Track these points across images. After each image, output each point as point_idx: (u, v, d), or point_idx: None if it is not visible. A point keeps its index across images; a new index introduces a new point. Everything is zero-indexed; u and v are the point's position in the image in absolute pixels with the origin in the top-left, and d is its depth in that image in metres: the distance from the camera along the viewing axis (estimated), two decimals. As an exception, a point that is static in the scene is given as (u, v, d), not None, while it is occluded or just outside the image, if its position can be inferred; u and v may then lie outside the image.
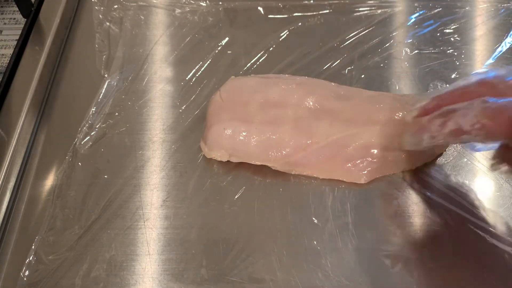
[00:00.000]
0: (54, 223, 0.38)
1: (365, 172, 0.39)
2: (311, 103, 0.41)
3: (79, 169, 0.41)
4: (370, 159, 0.39)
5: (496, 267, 0.35)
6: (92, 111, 0.45)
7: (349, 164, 0.39)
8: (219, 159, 0.40)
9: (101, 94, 0.46)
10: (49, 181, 0.41)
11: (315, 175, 0.40)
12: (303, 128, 0.40)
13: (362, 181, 0.39)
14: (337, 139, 0.39)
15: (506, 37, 0.49)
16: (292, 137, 0.39)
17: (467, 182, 0.40)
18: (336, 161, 0.39)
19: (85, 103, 0.45)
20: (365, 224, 0.38)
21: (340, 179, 0.39)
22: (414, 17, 0.51)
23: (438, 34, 0.49)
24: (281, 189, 0.40)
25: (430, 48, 0.48)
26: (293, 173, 0.40)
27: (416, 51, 0.48)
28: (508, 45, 0.48)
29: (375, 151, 0.39)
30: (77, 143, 0.42)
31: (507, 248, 0.35)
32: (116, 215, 0.39)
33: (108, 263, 0.36)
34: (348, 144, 0.39)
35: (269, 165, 0.40)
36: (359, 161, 0.39)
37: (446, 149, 0.41)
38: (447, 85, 0.44)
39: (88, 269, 0.36)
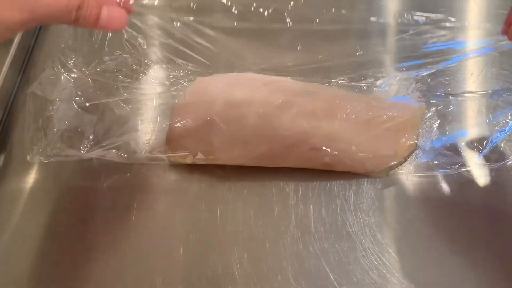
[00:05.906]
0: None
1: (327, 158, 0.39)
2: (275, 101, 0.40)
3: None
4: (332, 151, 0.39)
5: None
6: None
7: (312, 150, 0.39)
8: (183, 161, 0.40)
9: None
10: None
11: (280, 165, 0.39)
12: (266, 122, 0.40)
13: (326, 160, 0.39)
14: (299, 130, 0.39)
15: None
16: (256, 130, 0.39)
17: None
18: (299, 150, 0.39)
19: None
20: (327, 226, 0.38)
21: (303, 166, 0.39)
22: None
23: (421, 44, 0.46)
24: (245, 192, 0.39)
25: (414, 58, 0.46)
26: (260, 165, 0.40)
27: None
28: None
29: (337, 144, 0.39)
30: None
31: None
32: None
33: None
34: (311, 134, 0.39)
35: (234, 162, 0.39)
36: (322, 149, 0.39)
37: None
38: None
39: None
